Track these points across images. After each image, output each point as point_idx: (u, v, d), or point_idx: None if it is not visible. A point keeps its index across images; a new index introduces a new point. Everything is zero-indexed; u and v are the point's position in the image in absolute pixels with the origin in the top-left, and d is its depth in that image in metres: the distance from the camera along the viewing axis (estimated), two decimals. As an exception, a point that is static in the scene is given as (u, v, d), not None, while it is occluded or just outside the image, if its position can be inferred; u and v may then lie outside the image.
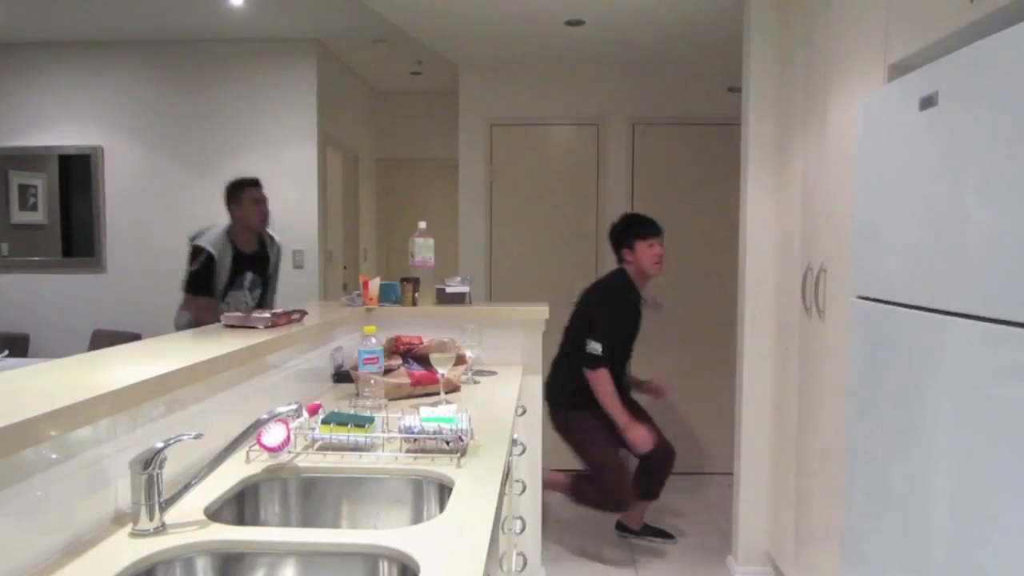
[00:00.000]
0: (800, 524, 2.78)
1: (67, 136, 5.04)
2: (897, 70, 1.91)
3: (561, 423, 3.36)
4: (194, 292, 3.48)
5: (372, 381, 2.06)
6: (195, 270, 3.48)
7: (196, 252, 3.53)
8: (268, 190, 4.92)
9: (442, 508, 1.39)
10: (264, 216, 3.65)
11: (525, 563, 2.33)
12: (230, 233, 3.60)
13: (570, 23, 3.91)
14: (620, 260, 3.48)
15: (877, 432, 1.82)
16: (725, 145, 4.27)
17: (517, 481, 2.38)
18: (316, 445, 1.67)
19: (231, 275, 3.52)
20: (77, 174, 5.05)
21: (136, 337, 3.56)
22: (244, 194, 3.61)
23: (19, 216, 5.06)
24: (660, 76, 4.71)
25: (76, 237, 5.11)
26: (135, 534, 1.18)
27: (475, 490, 1.42)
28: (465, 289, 2.95)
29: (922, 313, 1.60)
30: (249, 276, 3.60)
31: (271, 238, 3.81)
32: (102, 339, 4.26)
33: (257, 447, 1.55)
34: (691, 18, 3.79)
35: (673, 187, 4.75)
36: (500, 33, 4.14)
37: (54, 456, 1.09)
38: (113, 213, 5.04)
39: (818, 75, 2.62)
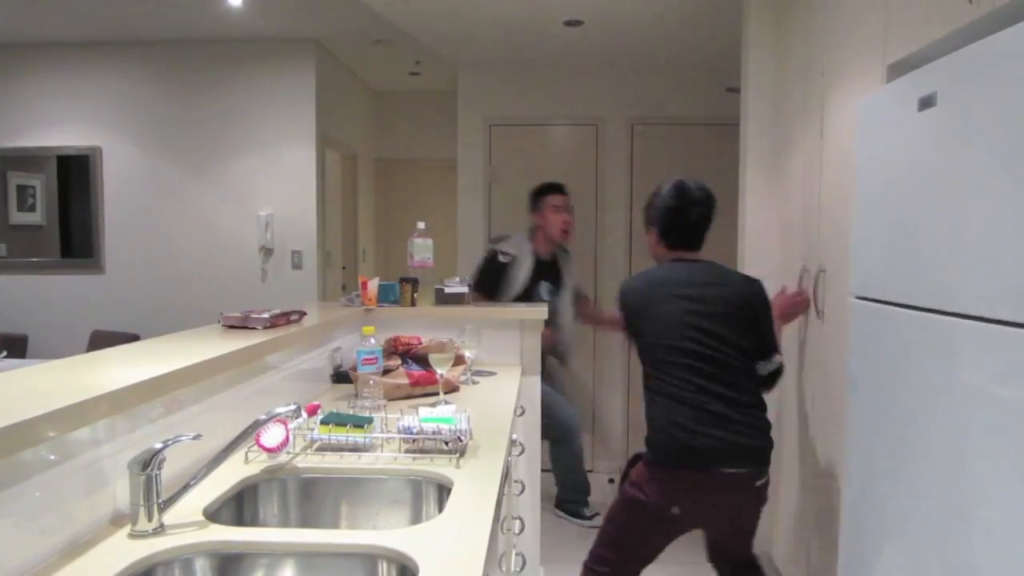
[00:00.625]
0: (799, 524, 2.78)
1: (66, 137, 5.04)
2: (896, 70, 1.92)
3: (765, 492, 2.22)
4: (480, 292, 3.38)
5: (371, 381, 2.06)
6: (481, 267, 3.55)
7: (492, 256, 3.53)
8: (266, 191, 4.95)
9: (441, 509, 1.39)
10: (566, 225, 3.56)
11: (524, 563, 2.32)
12: (531, 239, 3.55)
13: (569, 23, 3.91)
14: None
15: (877, 432, 1.82)
16: (724, 145, 4.27)
17: (516, 481, 2.38)
18: (315, 446, 1.67)
19: (529, 283, 3.43)
20: (76, 175, 5.05)
21: (135, 338, 3.55)
22: (545, 200, 3.55)
23: (17, 217, 5.05)
24: (659, 76, 4.72)
25: (75, 238, 5.11)
26: (134, 535, 1.18)
27: (474, 490, 1.41)
28: (464, 289, 2.95)
29: (921, 314, 1.60)
30: (546, 286, 3.52)
31: (563, 248, 3.71)
32: (101, 340, 4.26)
33: (256, 448, 1.55)
34: (689, 18, 3.79)
35: (672, 187, 4.74)
36: (499, 33, 4.14)
37: (52, 457, 1.09)
38: (112, 214, 5.04)
39: (816, 75, 2.62)
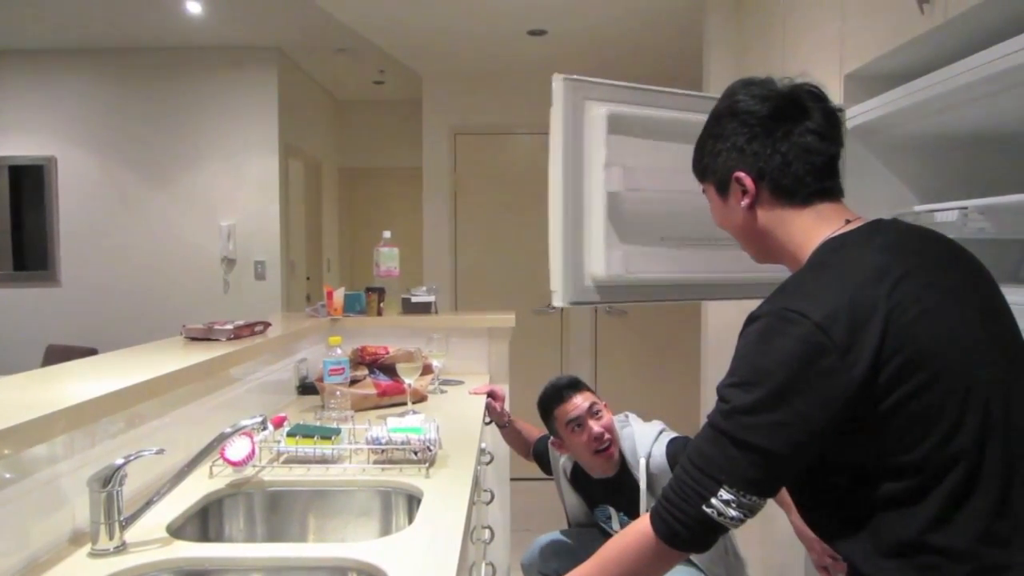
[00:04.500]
0: (765, 526, 2.81)
1: (18, 146, 4.91)
2: (853, 80, 1.96)
3: None
4: None
5: (338, 392, 2.04)
6: None
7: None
8: (228, 201, 4.88)
9: (411, 519, 1.38)
10: (597, 443, 2.09)
11: (494, 572, 2.32)
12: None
13: (532, 33, 3.93)
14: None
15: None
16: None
17: (486, 491, 2.37)
18: (282, 458, 1.64)
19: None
20: (29, 185, 4.92)
21: (92, 352, 3.47)
22: (554, 420, 2.19)
23: (-32, 229, 4.91)
24: (622, 85, 4.76)
25: (28, 250, 4.97)
26: (94, 554, 1.15)
27: (444, 500, 1.41)
28: (431, 298, 2.94)
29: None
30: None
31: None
32: (56, 354, 4.15)
33: (221, 461, 1.52)
34: (651, 28, 3.84)
35: (636, 195, 4.79)
36: (463, 42, 4.14)
37: (8, 475, 1.06)
38: (67, 225, 4.92)
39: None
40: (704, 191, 1.21)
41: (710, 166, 1.15)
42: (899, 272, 0.94)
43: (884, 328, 0.89)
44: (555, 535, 2.33)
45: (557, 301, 1.83)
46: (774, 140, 1.07)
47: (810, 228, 1.06)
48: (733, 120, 1.10)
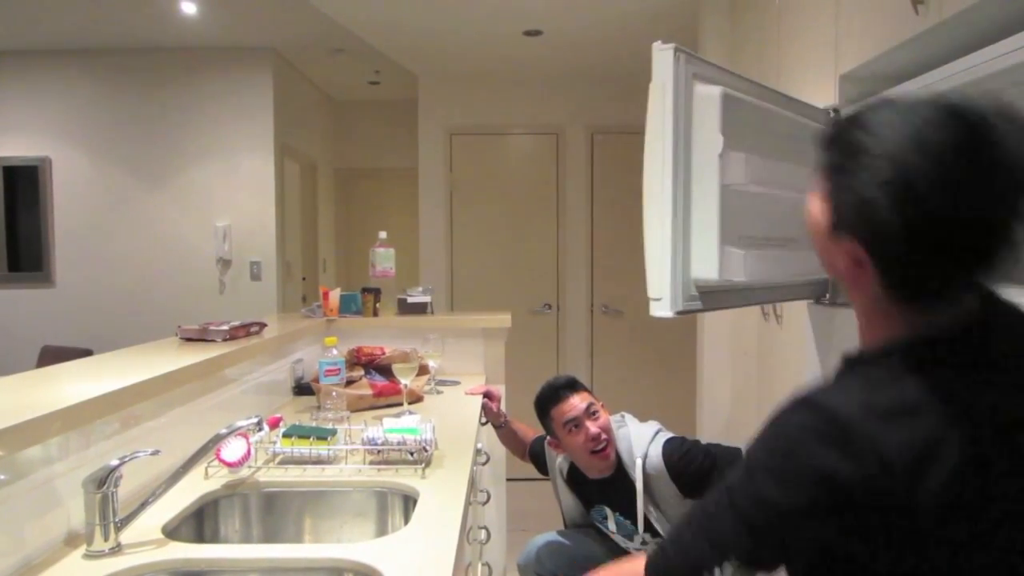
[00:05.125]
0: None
1: (12, 147, 4.89)
2: (847, 80, 1.96)
3: None
4: None
5: (334, 393, 2.04)
6: None
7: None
8: (224, 201, 4.87)
9: (407, 520, 1.38)
10: (594, 443, 2.09)
11: (490, 573, 2.31)
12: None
13: (528, 33, 3.94)
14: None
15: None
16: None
17: (482, 491, 2.37)
18: (277, 459, 1.64)
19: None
20: (23, 186, 4.90)
21: (87, 353, 3.45)
22: (551, 420, 2.17)
23: (-38, 230, 4.89)
24: (618, 85, 4.76)
25: (22, 251, 4.95)
26: (89, 555, 1.14)
27: (440, 501, 1.41)
28: (427, 299, 2.94)
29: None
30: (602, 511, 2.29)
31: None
32: (51, 355, 4.13)
33: (216, 462, 1.52)
34: (646, 28, 3.84)
35: (632, 195, 4.77)
36: (459, 42, 4.14)
37: (2, 477, 1.05)
38: (62, 226, 4.90)
39: (771, 85, 2.67)
40: None
41: None
42: None
43: None
44: (551, 535, 2.33)
45: (662, 310, 1.55)
46: None
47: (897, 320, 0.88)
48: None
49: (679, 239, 1.51)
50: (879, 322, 0.85)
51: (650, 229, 1.52)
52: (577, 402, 2.07)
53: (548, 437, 2.20)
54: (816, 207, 0.86)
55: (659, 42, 1.50)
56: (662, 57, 1.50)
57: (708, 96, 1.51)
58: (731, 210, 1.54)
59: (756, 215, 1.65)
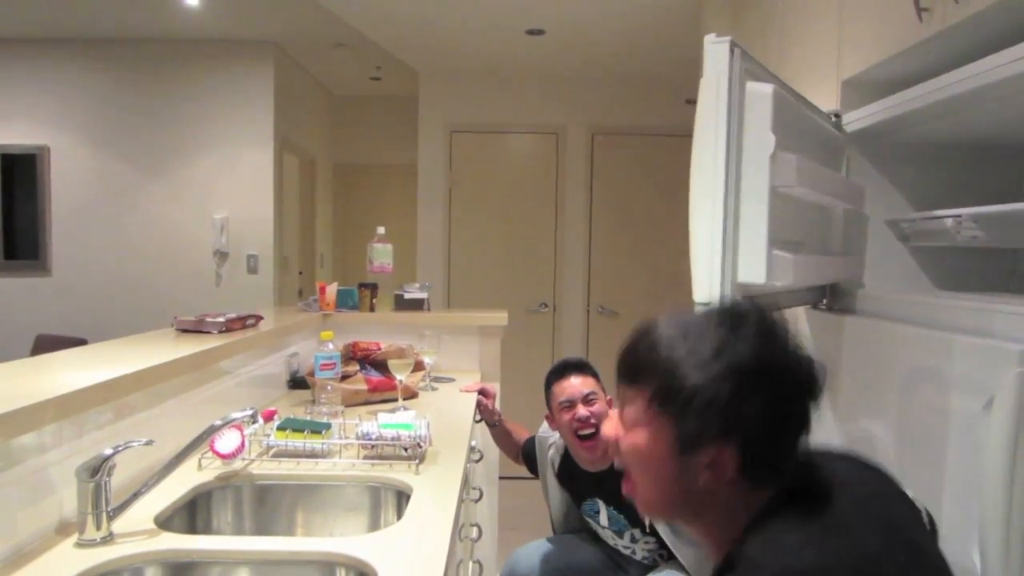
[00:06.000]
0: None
1: (10, 135, 4.87)
2: (849, 86, 1.97)
3: None
4: None
5: (329, 387, 2.03)
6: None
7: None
8: (222, 194, 4.86)
9: (400, 515, 1.37)
10: (581, 425, 2.06)
11: (481, 570, 2.31)
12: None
13: (531, 32, 3.93)
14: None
15: (831, 436, 1.86)
16: (682, 156, 4.33)
17: (475, 488, 2.37)
18: (271, 452, 1.64)
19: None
20: (21, 174, 4.88)
21: (82, 342, 3.45)
22: (551, 395, 2.18)
23: (-42, 216, 4.87)
24: (619, 86, 4.77)
25: (19, 239, 4.93)
26: (81, 544, 1.14)
27: (433, 497, 1.40)
28: (423, 295, 2.93)
29: (874, 321, 1.64)
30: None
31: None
32: (46, 344, 4.12)
33: (210, 454, 1.52)
34: (649, 29, 3.84)
35: (631, 197, 4.80)
36: (461, 40, 4.14)
37: (-5, 463, 1.05)
38: (59, 215, 4.89)
39: (773, 89, 2.67)
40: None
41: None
42: None
43: None
44: (539, 543, 2.31)
45: None
46: None
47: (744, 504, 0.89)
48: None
49: (728, 242, 1.44)
50: (728, 522, 0.85)
51: (698, 231, 1.46)
52: (578, 384, 2.08)
53: (546, 412, 2.21)
54: (646, 438, 0.86)
55: (712, 35, 1.43)
56: (716, 51, 1.43)
57: (761, 94, 1.44)
58: (774, 212, 1.48)
59: (792, 218, 1.60)
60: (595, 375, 2.15)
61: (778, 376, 0.82)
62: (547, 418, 2.23)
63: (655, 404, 0.84)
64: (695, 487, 0.84)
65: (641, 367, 0.87)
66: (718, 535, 0.87)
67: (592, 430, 2.03)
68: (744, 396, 0.80)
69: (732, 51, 1.40)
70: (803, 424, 0.83)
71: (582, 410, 2.03)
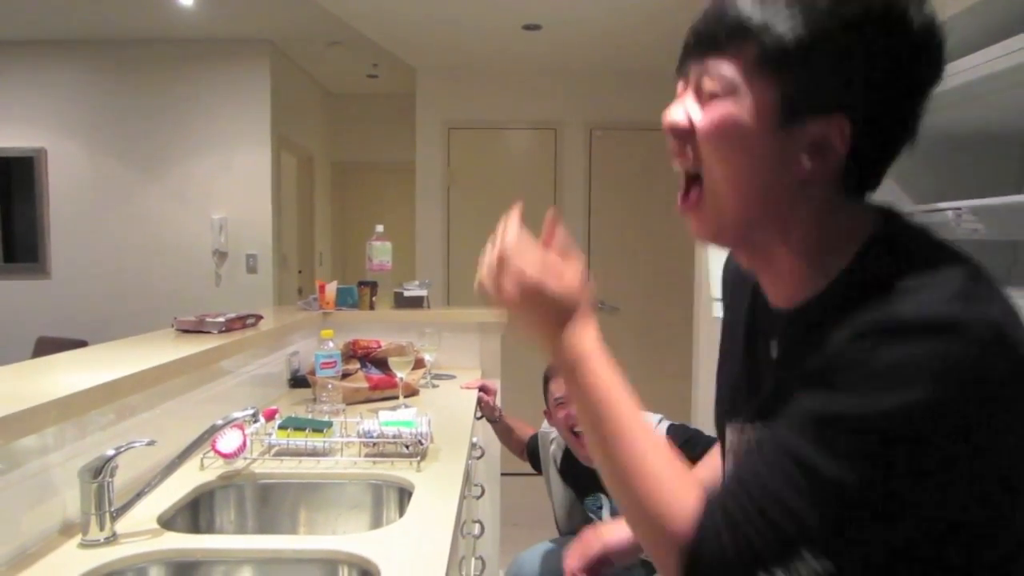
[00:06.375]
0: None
1: (8, 138, 4.87)
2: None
3: None
4: None
5: (329, 386, 2.04)
6: None
7: None
8: (220, 194, 4.85)
9: (402, 513, 1.38)
10: (570, 419, 2.09)
11: (484, 567, 2.32)
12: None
13: (527, 27, 3.93)
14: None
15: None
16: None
17: (476, 485, 2.37)
18: (273, 451, 1.64)
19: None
20: (19, 177, 4.88)
21: (82, 344, 3.45)
22: (548, 390, 2.20)
23: (-43, 219, 4.87)
24: (617, 81, 4.76)
25: (18, 242, 4.94)
26: (85, 544, 1.14)
27: (435, 494, 1.41)
28: (423, 293, 2.93)
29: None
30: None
31: None
32: (47, 347, 4.12)
33: (212, 454, 1.52)
34: (646, 23, 3.84)
35: (629, 191, 4.80)
36: (457, 36, 4.13)
37: (-2, 465, 1.05)
38: (58, 217, 4.89)
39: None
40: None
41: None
42: None
43: None
44: (544, 545, 2.31)
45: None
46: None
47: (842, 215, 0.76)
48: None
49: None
50: (827, 246, 0.71)
51: None
52: None
53: (544, 408, 2.22)
54: (736, 107, 0.68)
55: None
56: None
57: None
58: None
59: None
60: None
61: (910, 37, 0.67)
62: (545, 414, 2.24)
63: (755, 64, 0.67)
64: (788, 180, 0.69)
65: (733, 24, 0.68)
66: (809, 266, 0.72)
67: None
68: (870, 53, 0.65)
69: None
70: (923, 104, 0.69)
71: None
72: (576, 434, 2.05)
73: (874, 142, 0.68)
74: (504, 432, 2.53)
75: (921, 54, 0.69)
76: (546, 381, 2.18)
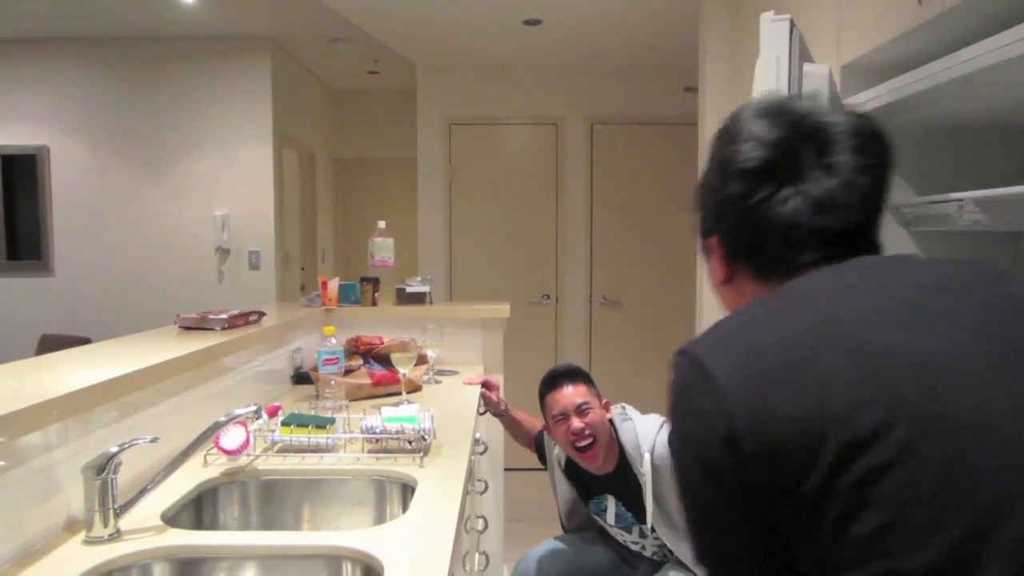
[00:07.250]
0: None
1: (10, 136, 4.88)
2: (849, 70, 1.96)
3: None
4: None
5: (332, 382, 2.04)
6: None
7: None
8: (222, 191, 4.86)
9: (405, 508, 1.38)
10: (576, 437, 2.05)
11: (487, 562, 2.32)
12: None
13: (528, 22, 3.92)
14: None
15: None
16: (682, 144, 4.33)
17: (479, 480, 2.38)
18: (276, 447, 1.64)
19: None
20: (21, 174, 4.89)
21: (86, 341, 3.45)
22: (545, 408, 2.15)
23: (-40, 218, 4.88)
24: (617, 76, 4.75)
25: (21, 239, 4.95)
26: (89, 541, 1.15)
27: (438, 490, 1.41)
28: (425, 289, 2.93)
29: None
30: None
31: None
32: (50, 344, 4.13)
33: (215, 450, 1.52)
34: (647, 18, 3.82)
35: (631, 186, 4.80)
36: (458, 32, 4.12)
37: (2, 463, 1.06)
38: (60, 214, 4.90)
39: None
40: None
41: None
42: None
43: None
44: (550, 543, 2.31)
45: None
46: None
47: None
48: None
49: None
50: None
51: None
52: (570, 395, 2.04)
53: (543, 423, 2.21)
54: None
55: (771, 12, 1.40)
56: (776, 28, 1.39)
57: (818, 74, 1.40)
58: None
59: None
60: (587, 381, 2.12)
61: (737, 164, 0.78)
62: (544, 428, 2.21)
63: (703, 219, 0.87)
64: (718, 280, 0.85)
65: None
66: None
67: (588, 441, 2.01)
68: (714, 183, 0.82)
69: (792, 30, 1.36)
70: (794, 211, 0.75)
71: (576, 422, 2.01)
72: (578, 449, 2.03)
73: (734, 243, 0.82)
74: (511, 425, 2.53)
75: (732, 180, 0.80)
76: (542, 398, 2.14)
